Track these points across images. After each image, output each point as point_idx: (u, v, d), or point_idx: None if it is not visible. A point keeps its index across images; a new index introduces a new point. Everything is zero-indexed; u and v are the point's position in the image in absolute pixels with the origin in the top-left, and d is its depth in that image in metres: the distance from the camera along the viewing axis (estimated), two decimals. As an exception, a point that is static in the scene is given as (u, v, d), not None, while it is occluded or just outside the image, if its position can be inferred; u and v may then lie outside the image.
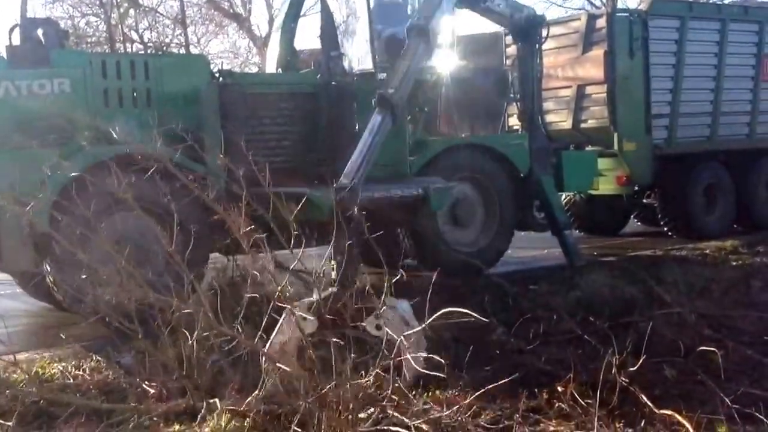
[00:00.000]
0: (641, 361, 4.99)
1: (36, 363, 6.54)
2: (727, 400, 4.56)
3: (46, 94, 8.01)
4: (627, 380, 4.83)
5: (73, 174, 7.62)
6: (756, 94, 13.80)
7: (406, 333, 4.88)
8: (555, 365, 5.56)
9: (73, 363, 6.47)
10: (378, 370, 4.65)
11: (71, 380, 6.00)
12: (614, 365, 4.84)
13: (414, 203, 9.29)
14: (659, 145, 12.79)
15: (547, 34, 11.00)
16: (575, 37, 12.82)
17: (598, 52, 12.49)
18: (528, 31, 10.83)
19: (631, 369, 4.94)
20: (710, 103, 13.34)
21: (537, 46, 10.92)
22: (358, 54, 10.10)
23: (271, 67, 10.91)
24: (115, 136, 7.88)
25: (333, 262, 5.49)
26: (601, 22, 12.63)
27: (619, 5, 28.49)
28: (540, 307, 7.14)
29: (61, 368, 6.33)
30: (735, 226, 13.68)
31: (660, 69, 12.75)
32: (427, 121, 10.90)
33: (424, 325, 4.88)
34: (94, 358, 6.53)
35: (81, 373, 6.19)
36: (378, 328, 5.09)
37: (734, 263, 10.32)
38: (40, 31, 8.69)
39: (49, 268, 7.97)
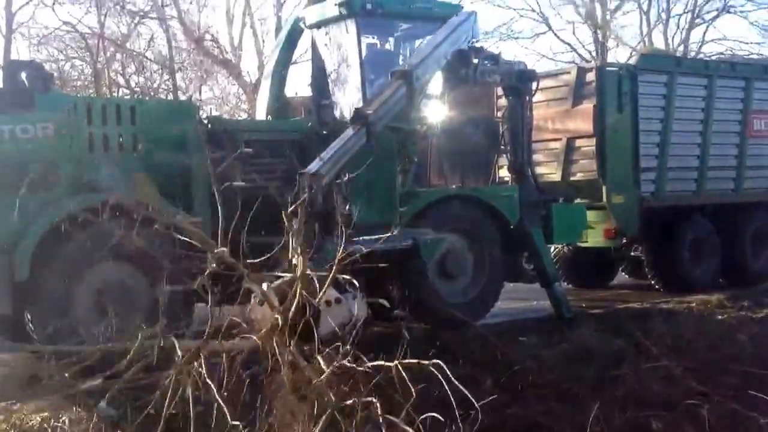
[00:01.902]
0: (628, 413, 4.94)
1: (14, 414, 6.40)
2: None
3: (29, 139, 7.89)
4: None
5: (55, 221, 7.56)
6: (742, 149, 13.93)
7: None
8: (543, 417, 5.49)
9: (53, 414, 6.33)
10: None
11: (50, 432, 5.89)
12: (601, 418, 4.79)
13: (404, 255, 9.26)
14: (647, 198, 12.86)
15: (537, 87, 11.10)
16: (565, 90, 12.95)
17: (587, 106, 12.61)
18: (519, 84, 10.92)
19: (618, 422, 4.89)
20: (697, 157, 13.45)
21: (527, 98, 11.00)
22: (348, 102, 10.15)
23: (261, 114, 10.95)
24: (99, 181, 7.85)
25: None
26: (591, 76, 12.78)
27: (609, 59, 29.00)
28: (528, 359, 7.08)
29: (40, 419, 6.20)
30: (721, 280, 13.69)
31: (648, 123, 12.87)
32: (417, 172, 10.93)
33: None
34: (74, 409, 6.39)
35: (60, 424, 6.05)
36: (328, 304, 5.48)
37: (720, 317, 10.31)
38: (24, 74, 8.64)
39: (30, 316, 7.85)
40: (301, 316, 5.21)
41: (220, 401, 4.77)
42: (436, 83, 10.04)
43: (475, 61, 10.26)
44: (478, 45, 10.67)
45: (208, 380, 4.88)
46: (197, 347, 5.09)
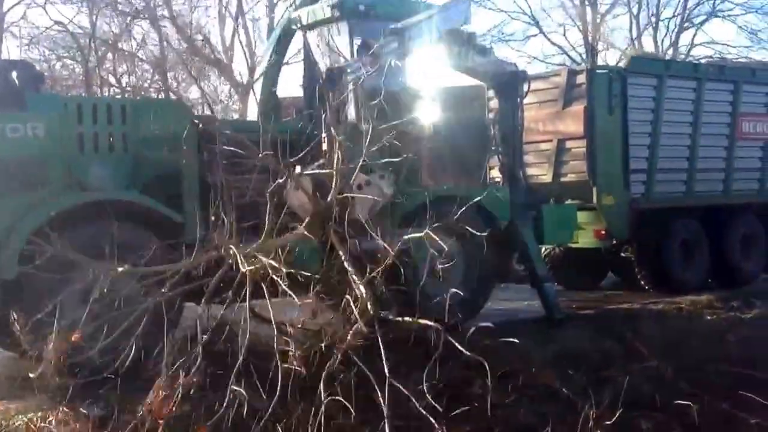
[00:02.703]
0: (618, 414, 4.96)
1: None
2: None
3: (20, 138, 7.82)
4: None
5: (44, 220, 7.53)
6: (731, 151, 14.00)
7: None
8: (533, 419, 5.51)
9: (39, 415, 6.29)
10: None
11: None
12: (592, 418, 4.81)
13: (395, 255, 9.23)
14: (637, 199, 12.91)
15: (528, 89, 11.11)
16: (556, 92, 12.99)
17: (578, 108, 12.65)
18: (510, 85, 10.93)
19: (608, 422, 4.90)
20: (687, 159, 13.52)
21: (518, 100, 11.01)
22: (340, 104, 10.14)
23: (252, 114, 10.93)
24: (89, 181, 7.81)
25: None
26: (581, 78, 12.82)
27: (599, 62, 29.08)
28: (519, 360, 7.08)
29: (26, 420, 6.16)
30: (710, 281, 13.75)
31: (638, 125, 12.92)
32: (410, 173, 10.90)
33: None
34: (61, 409, 6.35)
35: (47, 425, 6.02)
36: (359, 187, 6.24)
37: (709, 318, 10.37)
38: (14, 74, 8.59)
39: (16, 316, 7.80)
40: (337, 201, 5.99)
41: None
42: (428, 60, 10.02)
43: (466, 46, 10.27)
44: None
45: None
46: (257, 247, 5.82)
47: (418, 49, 9.67)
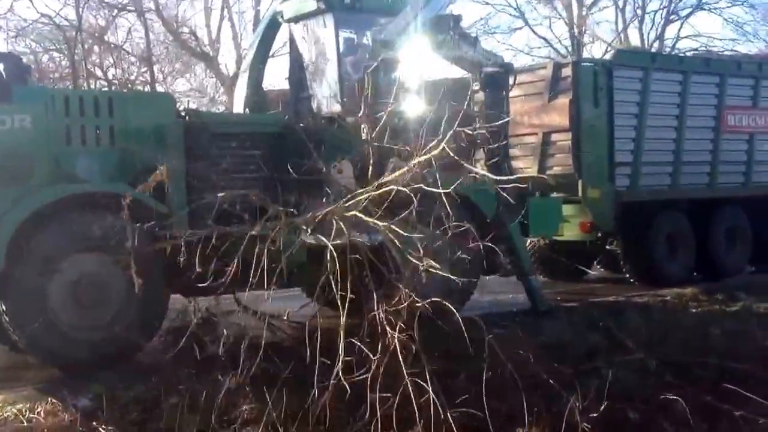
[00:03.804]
0: (603, 406, 4.99)
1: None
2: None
3: (6, 130, 7.80)
4: (589, 425, 4.82)
5: (30, 212, 7.52)
6: (716, 144, 14.06)
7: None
8: (519, 410, 5.53)
9: (28, 406, 6.30)
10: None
11: (25, 423, 5.86)
12: (577, 410, 4.84)
13: (381, 247, 9.25)
14: (622, 192, 12.95)
15: (514, 82, 11.13)
16: (541, 85, 13.01)
17: (563, 101, 12.68)
18: (496, 77, 10.94)
19: (594, 414, 4.93)
20: (672, 152, 13.57)
21: (504, 93, 11.02)
22: (326, 96, 10.14)
23: (238, 107, 10.91)
24: (76, 174, 7.79)
25: None
26: (567, 71, 12.83)
27: (585, 55, 29.14)
28: (504, 352, 7.11)
29: (15, 411, 6.17)
30: (695, 273, 13.83)
31: (623, 118, 12.96)
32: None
33: None
34: (49, 400, 6.37)
35: (36, 416, 6.03)
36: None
37: (694, 310, 10.42)
38: (1, 66, 8.56)
39: (5, 308, 7.79)
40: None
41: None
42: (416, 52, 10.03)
43: (452, 33, 10.27)
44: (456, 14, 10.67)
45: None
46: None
47: (407, 54, 9.68)
